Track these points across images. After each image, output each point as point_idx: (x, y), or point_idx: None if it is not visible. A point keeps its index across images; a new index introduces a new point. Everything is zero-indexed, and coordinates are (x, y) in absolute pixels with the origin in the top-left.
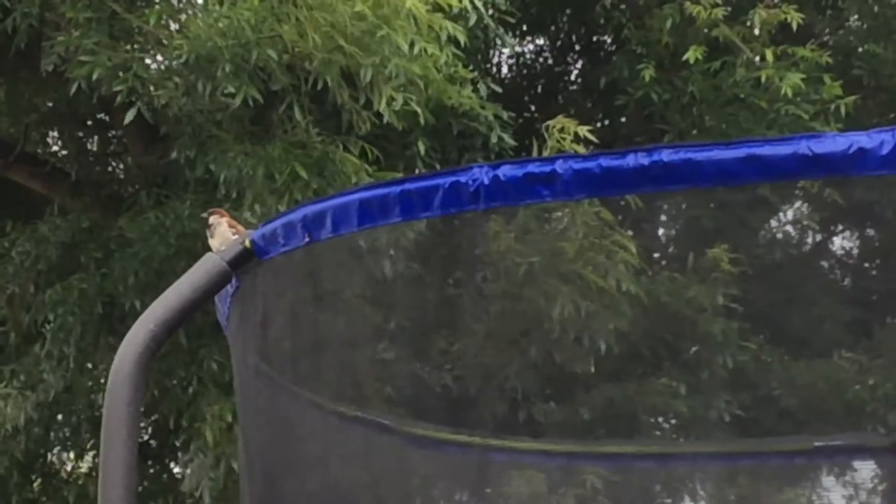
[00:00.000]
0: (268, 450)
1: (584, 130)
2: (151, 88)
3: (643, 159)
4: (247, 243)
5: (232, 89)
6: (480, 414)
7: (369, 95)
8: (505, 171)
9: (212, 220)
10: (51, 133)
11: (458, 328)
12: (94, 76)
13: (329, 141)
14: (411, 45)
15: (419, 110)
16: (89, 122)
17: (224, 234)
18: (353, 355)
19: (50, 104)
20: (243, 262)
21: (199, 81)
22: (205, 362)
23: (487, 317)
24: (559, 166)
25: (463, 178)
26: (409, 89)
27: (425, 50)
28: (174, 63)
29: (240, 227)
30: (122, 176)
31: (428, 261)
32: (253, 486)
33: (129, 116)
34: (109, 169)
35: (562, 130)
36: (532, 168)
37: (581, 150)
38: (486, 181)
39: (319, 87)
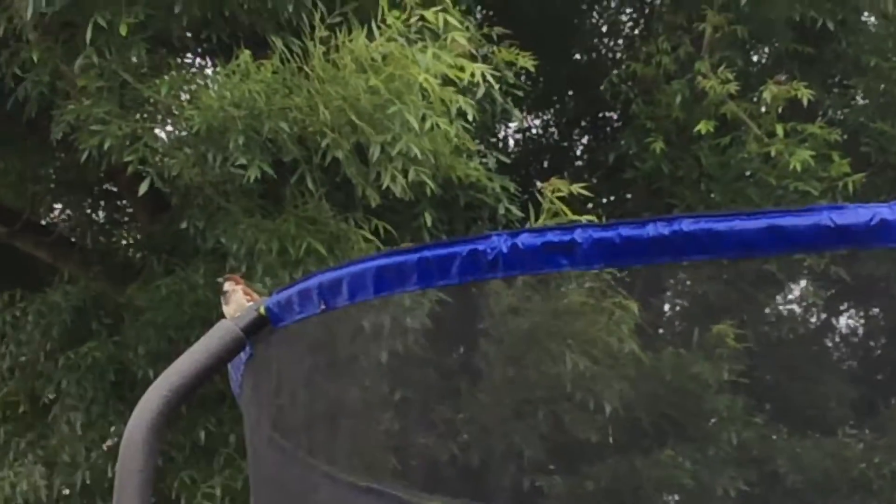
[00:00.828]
0: None
1: (577, 188)
2: (161, 158)
3: (663, 229)
4: (261, 310)
5: (244, 161)
6: (491, 488)
7: (379, 170)
8: (524, 239)
9: (227, 286)
10: (57, 202)
11: (463, 397)
12: (105, 145)
13: (341, 217)
14: (422, 118)
15: (428, 182)
16: (96, 191)
17: (239, 301)
18: (365, 426)
19: (56, 174)
20: (258, 329)
21: (209, 152)
22: (197, 432)
23: (492, 385)
24: (578, 235)
25: (481, 247)
26: (418, 164)
27: (437, 124)
28: (185, 133)
29: (255, 295)
30: (129, 244)
31: (431, 333)
32: None
33: (143, 188)
34: (114, 239)
35: (554, 192)
36: (551, 237)
37: (581, 217)
38: (505, 250)
39: (329, 160)
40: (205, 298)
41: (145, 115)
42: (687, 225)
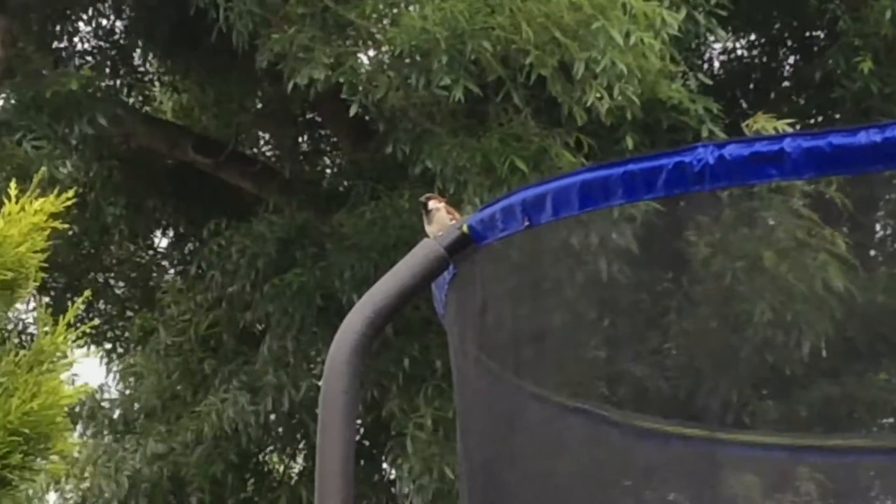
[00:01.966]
0: (487, 440)
1: (783, 125)
2: (366, 83)
3: (875, 136)
4: (464, 228)
5: (448, 81)
6: (701, 410)
7: (585, 88)
8: (731, 150)
9: (430, 205)
10: (261, 132)
11: (672, 322)
12: (311, 73)
13: (545, 134)
14: (626, 34)
15: (635, 100)
16: (300, 121)
17: (442, 220)
18: (572, 347)
19: (260, 104)
20: (461, 247)
21: (413, 74)
22: (405, 360)
23: (701, 311)
24: (787, 144)
25: (687, 158)
26: (623, 82)
27: (641, 40)
28: (387, 57)
29: (457, 214)
30: (334, 173)
31: (640, 261)
32: (472, 476)
33: (353, 110)
34: (320, 167)
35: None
36: (759, 147)
37: None
38: (712, 161)
39: (533, 79)
40: (410, 223)
41: (348, 41)
42: None
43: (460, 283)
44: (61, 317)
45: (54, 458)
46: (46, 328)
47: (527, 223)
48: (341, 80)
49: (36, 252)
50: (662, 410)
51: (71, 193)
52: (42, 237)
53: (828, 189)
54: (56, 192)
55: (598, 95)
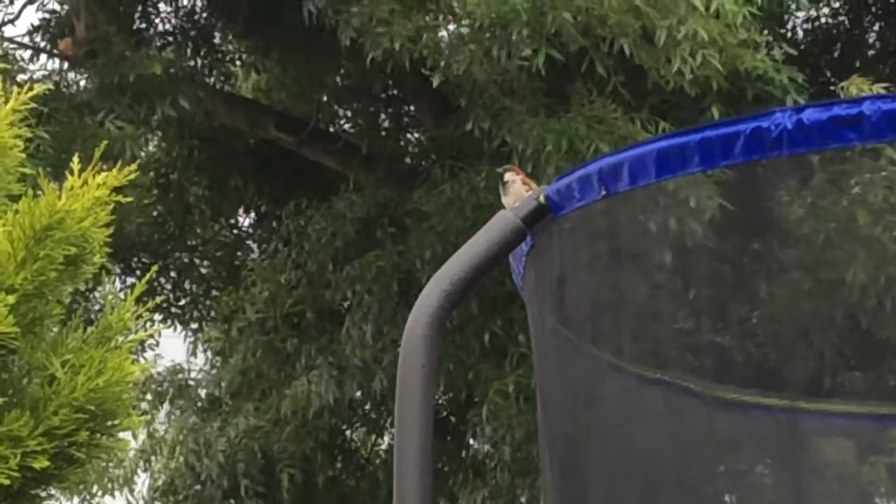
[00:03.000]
0: (566, 411)
1: (879, 89)
2: (446, 57)
3: None
4: (541, 199)
5: (528, 52)
6: (784, 380)
7: (668, 56)
8: (809, 114)
9: (507, 176)
10: (342, 109)
11: (757, 296)
12: (395, 46)
13: (626, 118)
14: (707, 3)
15: (719, 67)
16: (381, 97)
17: (519, 192)
18: (652, 316)
19: (341, 80)
20: (538, 218)
21: (494, 46)
22: (486, 334)
23: (786, 281)
24: (867, 108)
25: (765, 124)
26: (705, 48)
27: (723, 6)
28: (467, 30)
29: (533, 185)
30: (414, 150)
31: (723, 228)
32: (553, 447)
33: (436, 81)
34: (402, 143)
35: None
36: (838, 110)
37: None
38: (790, 126)
39: (616, 51)
40: (486, 202)
41: (428, 15)
42: None
43: (538, 254)
44: (129, 292)
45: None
46: (114, 305)
47: (604, 192)
48: (424, 53)
49: (100, 227)
50: (745, 381)
51: (134, 167)
52: (105, 211)
53: None
54: (119, 167)
55: (683, 61)
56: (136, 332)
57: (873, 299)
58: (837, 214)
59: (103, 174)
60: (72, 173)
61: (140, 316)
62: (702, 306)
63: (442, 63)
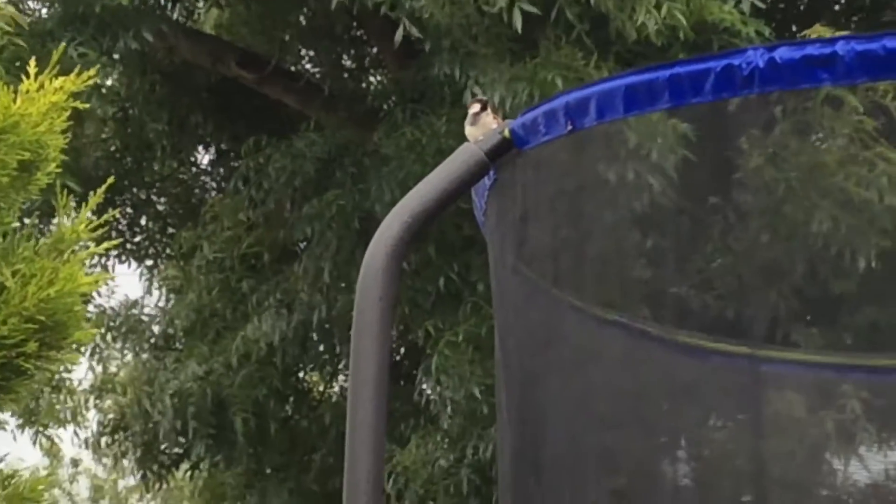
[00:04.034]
0: (524, 352)
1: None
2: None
3: None
4: (506, 133)
5: (504, 2)
6: (744, 328)
7: (633, 6)
8: (781, 53)
9: (475, 107)
10: (306, 48)
11: (716, 246)
12: None
13: (594, 67)
14: None
15: (682, 20)
16: (345, 37)
17: (487, 124)
18: (614, 259)
19: (305, 20)
20: (502, 152)
21: None
22: (441, 279)
23: (745, 234)
24: (840, 48)
25: (736, 61)
26: (671, 2)
27: None
28: None
29: (500, 120)
30: (376, 91)
31: (685, 179)
32: (511, 386)
33: (398, 36)
34: (364, 85)
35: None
36: (811, 50)
37: None
38: (762, 64)
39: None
40: (447, 147)
41: None
42: None
43: (501, 189)
44: (84, 204)
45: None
46: (67, 216)
47: (570, 127)
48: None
49: (56, 133)
50: (705, 327)
51: (93, 72)
52: (62, 118)
53: (884, 99)
54: (78, 71)
55: (647, 12)
56: (89, 247)
57: (833, 250)
58: (799, 164)
59: (61, 78)
60: (27, 76)
61: (97, 228)
62: (660, 255)
63: (409, 5)
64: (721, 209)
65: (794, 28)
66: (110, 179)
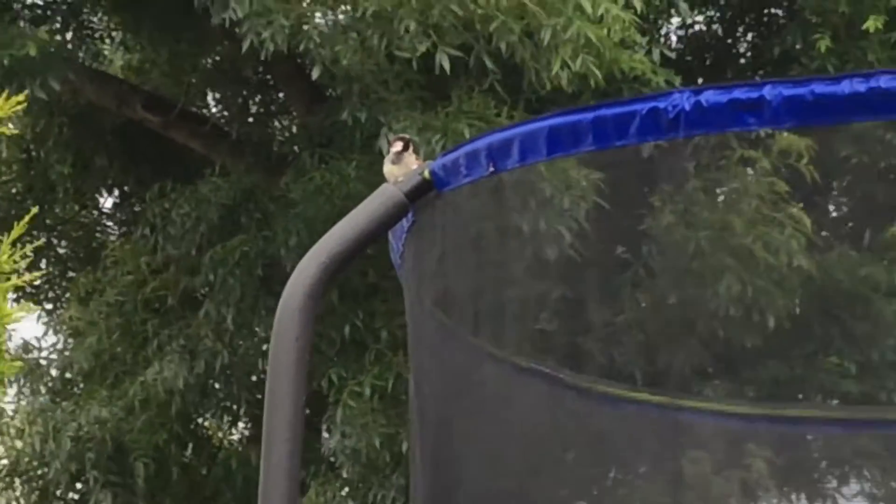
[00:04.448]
0: (440, 397)
1: None
2: (324, 46)
3: (859, 85)
4: (426, 174)
5: (423, 48)
6: (655, 378)
7: (549, 57)
8: (708, 96)
9: (398, 145)
10: (211, 92)
11: (624, 300)
12: (269, 35)
13: (506, 116)
14: (593, 5)
15: (595, 71)
16: (253, 81)
17: (409, 164)
18: (527, 308)
19: (213, 64)
20: (422, 193)
21: (374, 37)
22: (346, 327)
23: (653, 290)
24: (768, 92)
25: (662, 104)
26: (587, 50)
27: (608, 11)
28: (348, 18)
29: (421, 161)
30: (284, 136)
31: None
32: (424, 431)
33: (315, 74)
34: (270, 130)
35: None
36: (738, 94)
37: None
38: (688, 107)
39: (497, 45)
40: (356, 191)
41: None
42: (885, 81)
43: (419, 231)
44: (7, 234)
45: None
46: None
47: (492, 169)
48: (303, 44)
49: None
50: (615, 376)
51: (22, 97)
52: None
53: (798, 163)
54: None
55: (563, 64)
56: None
57: (739, 310)
58: (710, 223)
59: None
60: None
61: (21, 259)
62: (569, 306)
63: (321, 52)
64: (628, 267)
65: (700, 81)
66: (34, 210)
